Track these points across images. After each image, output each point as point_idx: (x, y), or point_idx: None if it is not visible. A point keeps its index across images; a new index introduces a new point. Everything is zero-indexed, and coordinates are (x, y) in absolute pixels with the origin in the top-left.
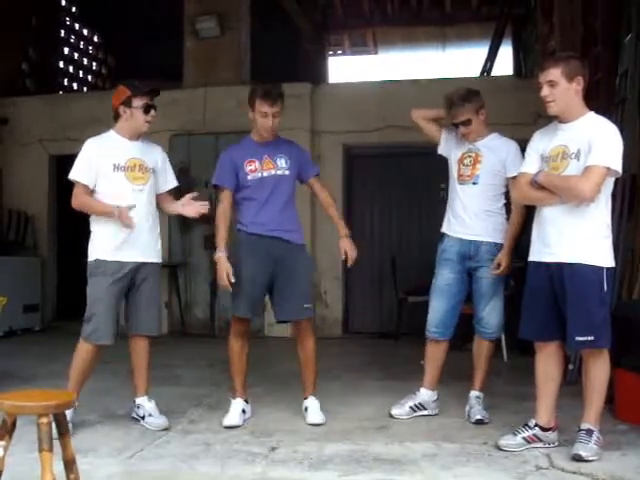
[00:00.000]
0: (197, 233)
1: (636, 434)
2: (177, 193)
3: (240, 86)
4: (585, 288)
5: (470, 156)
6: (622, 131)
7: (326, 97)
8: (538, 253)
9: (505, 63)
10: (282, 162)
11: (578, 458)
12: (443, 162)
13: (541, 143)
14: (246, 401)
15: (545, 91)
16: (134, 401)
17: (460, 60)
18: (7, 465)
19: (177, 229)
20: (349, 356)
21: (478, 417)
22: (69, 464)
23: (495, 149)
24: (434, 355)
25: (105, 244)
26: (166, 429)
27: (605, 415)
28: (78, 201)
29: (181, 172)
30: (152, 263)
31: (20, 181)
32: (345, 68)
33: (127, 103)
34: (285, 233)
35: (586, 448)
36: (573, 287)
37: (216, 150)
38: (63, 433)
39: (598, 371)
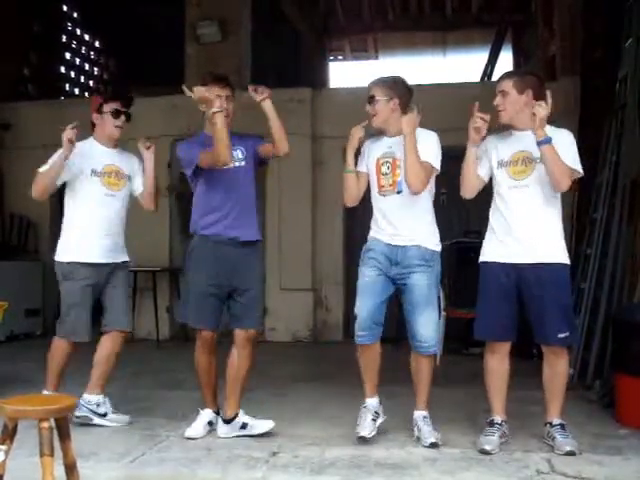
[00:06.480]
0: None
1: (638, 438)
2: (180, 197)
3: (241, 91)
4: (562, 286)
5: (387, 162)
6: (622, 136)
7: (327, 102)
8: (507, 255)
9: (506, 68)
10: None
11: (572, 453)
12: (443, 167)
13: (497, 149)
14: (217, 412)
15: (497, 100)
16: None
17: (461, 65)
18: (8, 469)
19: (178, 234)
20: (349, 360)
21: (432, 440)
22: (70, 468)
23: None
24: (368, 361)
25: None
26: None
27: (607, 419)
28: (36, 185)
29: (182, 177)
30: (121, 263)
31: (22, 186)
32: (346, 73)
33: (99, 110)
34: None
35: (571, 443)
36: (551, 286)
37: None
38: (64, 437)
39: (565, 366)
